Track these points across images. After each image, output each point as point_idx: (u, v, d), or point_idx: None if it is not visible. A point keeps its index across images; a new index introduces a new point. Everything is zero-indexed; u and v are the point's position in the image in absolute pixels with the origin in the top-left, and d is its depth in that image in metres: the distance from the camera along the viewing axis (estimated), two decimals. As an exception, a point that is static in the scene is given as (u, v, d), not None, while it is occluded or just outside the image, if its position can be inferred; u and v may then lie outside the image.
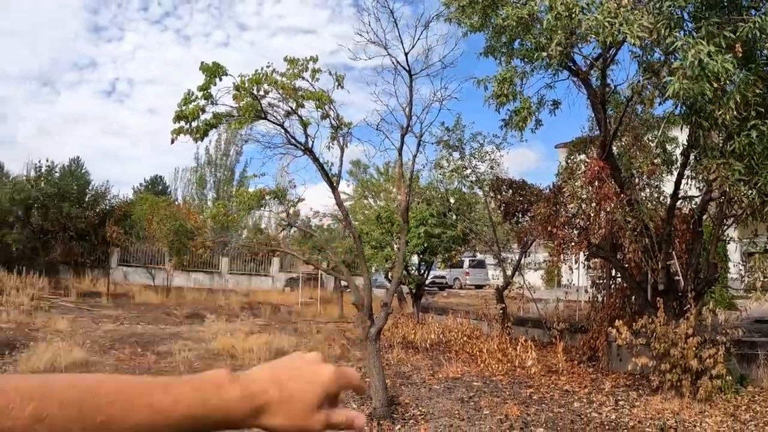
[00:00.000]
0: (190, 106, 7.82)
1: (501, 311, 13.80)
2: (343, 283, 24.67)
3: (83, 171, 32.75)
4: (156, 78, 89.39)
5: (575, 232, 10.59)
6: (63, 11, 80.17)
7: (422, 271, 20.10)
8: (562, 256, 11.58)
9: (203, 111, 7.92)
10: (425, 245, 17.50)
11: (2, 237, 27.44)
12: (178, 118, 7.85)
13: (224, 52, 79.36)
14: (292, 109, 8.45)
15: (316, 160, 8.63)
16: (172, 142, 8.04)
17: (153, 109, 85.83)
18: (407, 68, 8.78)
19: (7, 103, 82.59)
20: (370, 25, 8.68)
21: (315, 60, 8.30)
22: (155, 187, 52.48)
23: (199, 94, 7.84)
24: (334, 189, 8.88)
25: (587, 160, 11.05)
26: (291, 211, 10.26)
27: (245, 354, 11.42)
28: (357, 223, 20.47)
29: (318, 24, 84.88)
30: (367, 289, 8.52)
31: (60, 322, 14.19)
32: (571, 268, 14.52)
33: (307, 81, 8.37)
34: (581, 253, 11.88)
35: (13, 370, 9.18)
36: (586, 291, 14.75)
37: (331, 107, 8.58)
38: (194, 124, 7.93)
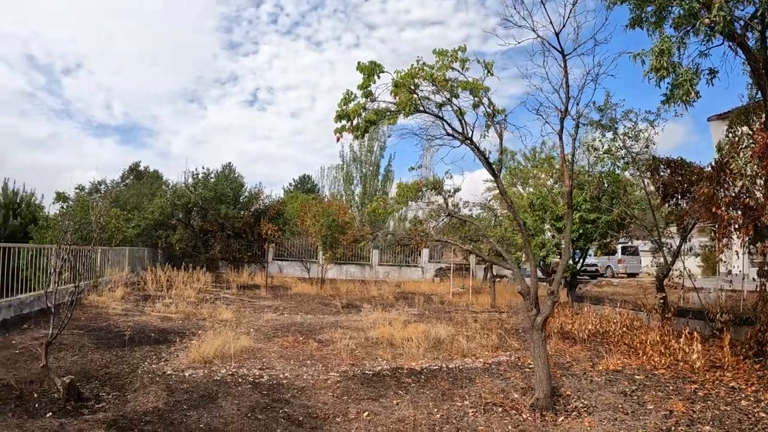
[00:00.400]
0: (350, 105, 8.01)
1: (661, 301, 13.13)
2: (496, 272, 24.48)
3: (236, 175, 34.34)
4: (294, 84, 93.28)
5: (739, 212, 9.81)
6: (199, 34, 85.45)
7: (577, 259, 19.52)
8: (726, 240, 10.82)
9: (364, 109, 8.08)
10: (580, 231, 16.97)
11: (167, 238, 29.44)
12: (340, 117, 8.06)
13: (356, 53, 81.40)
14: (447, 99, 8.41)
15: (476, 148, 8.54)
16: (338, 140, 8.29)
17: (294, 112, 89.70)
18: (560, 48, 8.47)
19: (160, 121, 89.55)
20: (515, 8, 8.44)
21: (463, 50, 8.21)
22: (304, 185, 54.45)
23: (359, 92, 8.01)
24: (496, 177, 8.77)
25: (750, 132, 10.24)
26: (450, 201, 10.27)
27: (404, 343, 11.55)
28: (506, 211, 20.20)
29: (444, 14, 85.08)
30: (533, 276, 8.38)
31: (224, 312, 15.04)
32: (737, 253, 13.52)
33: (458, 71, 8.30)
34: (746, 237, 11.03)
35: (185, 356, 9.74)
36: (754, 279, 13.68)
37: (485, 95, 8.46)
38: (355, 122, 8.12)
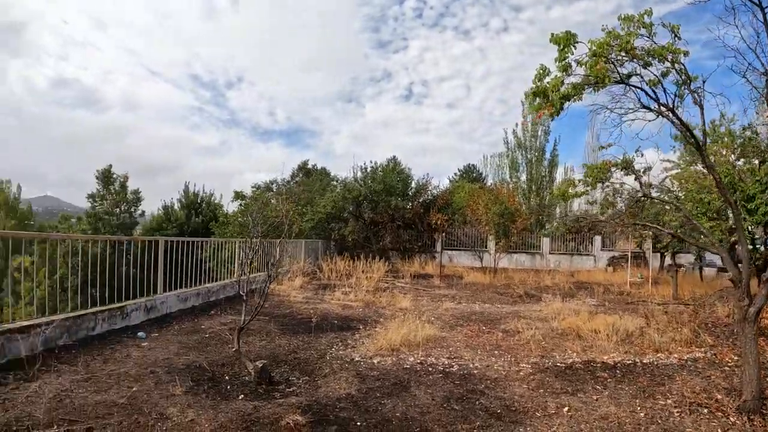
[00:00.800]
0: (545, 80, 7.41)
1: None
2: (678, 261, 22.75)
3: (402, 167, 34.63)
4: (447, 75, 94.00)
5: None
6: (348, 37, 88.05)
7: (769, 245, 17.43)
8: None
9: (562, 83, 7.44)
10: (773, 212, 15.07)
11: (339, 230, 30.19)
12: (535, 94, 7.48)
13: (506, 37, 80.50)
14: (641, 66, 7.58)
15: (679, 120, 7.62)
16: (538, 117, 7.75)
17: (451, 103, 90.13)
18: (757, 1, 7.37)
19: (321, 122, 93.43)
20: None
21: (649, 14, 7.35)
22: (469, 174, 54.06)
23: (556, 65, 7.38)
24: (701, 150, 7.81)
25: None
26: (643, 181, 9.37)
27: (591, 334, 10.77)
28: (683, 193, 18.64)
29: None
30: (746, 262, 7.34)
31: (402, 300, 14.90)
32: None
33: (646, 37, 7.46)
34: None
35: (371, 343, 9.54)
36: None
37: (679, 61, 7.54)
38: (551, 97, 7.50)
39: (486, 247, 31.82)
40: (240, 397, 6.39)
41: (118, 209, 42.40)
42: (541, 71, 7.43)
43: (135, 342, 9.10)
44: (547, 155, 46.31)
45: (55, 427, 5.15)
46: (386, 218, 31.26)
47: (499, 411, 6.23)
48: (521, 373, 8.01)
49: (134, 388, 6.49)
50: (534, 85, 7.49)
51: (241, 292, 7.84)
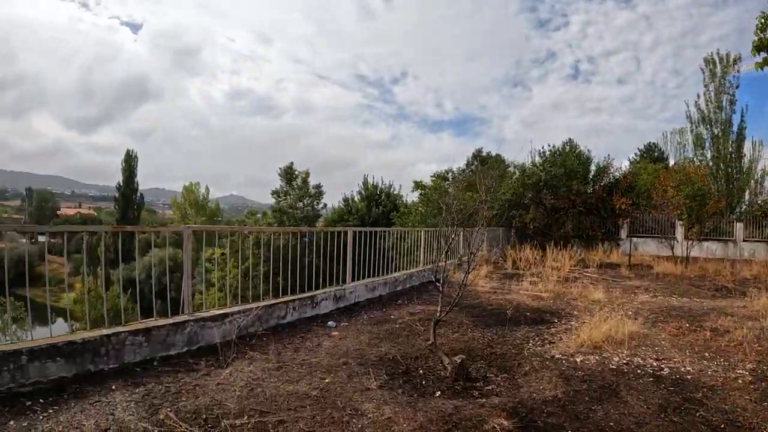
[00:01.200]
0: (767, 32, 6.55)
1: None
2: None
3: (580, 149, 33.33)
4: (613, 48, 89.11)
5: None
6: (507, 20, 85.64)
7: None
8: None
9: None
10: None
11: (520, 217, 29.68)
12: (757, 49, 6.63)
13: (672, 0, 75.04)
14: None
15: None
16: None
17: (621, 78, 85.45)
18: None
19: (489, 110, 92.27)
20: None
21: None
22: (650, 154, 51.24)
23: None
24: None
25: None
26: None
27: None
28: None
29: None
30: None
31: (594, 292, 14.11)
32: None
33: None
34: None
35: (569, 339, 9.04)
36: None
37: None
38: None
39: (673, 234, 29.73)
40: (437, 394, 6.20)
41: (301, 203, 44.92)
42: (763, 20, 6.57)
43: (325, 331, 9.25)
44: (734, 128, 41.84)
45: (246, 417, 5.18)
46: (567, 204, 30.32)
47: (722, 426, 5.59)
48: (740, 381, 7.19)
49: (326, 380, 6.49)
50: (756, 38, 6.63)
51: (437, 283, 7.72)
